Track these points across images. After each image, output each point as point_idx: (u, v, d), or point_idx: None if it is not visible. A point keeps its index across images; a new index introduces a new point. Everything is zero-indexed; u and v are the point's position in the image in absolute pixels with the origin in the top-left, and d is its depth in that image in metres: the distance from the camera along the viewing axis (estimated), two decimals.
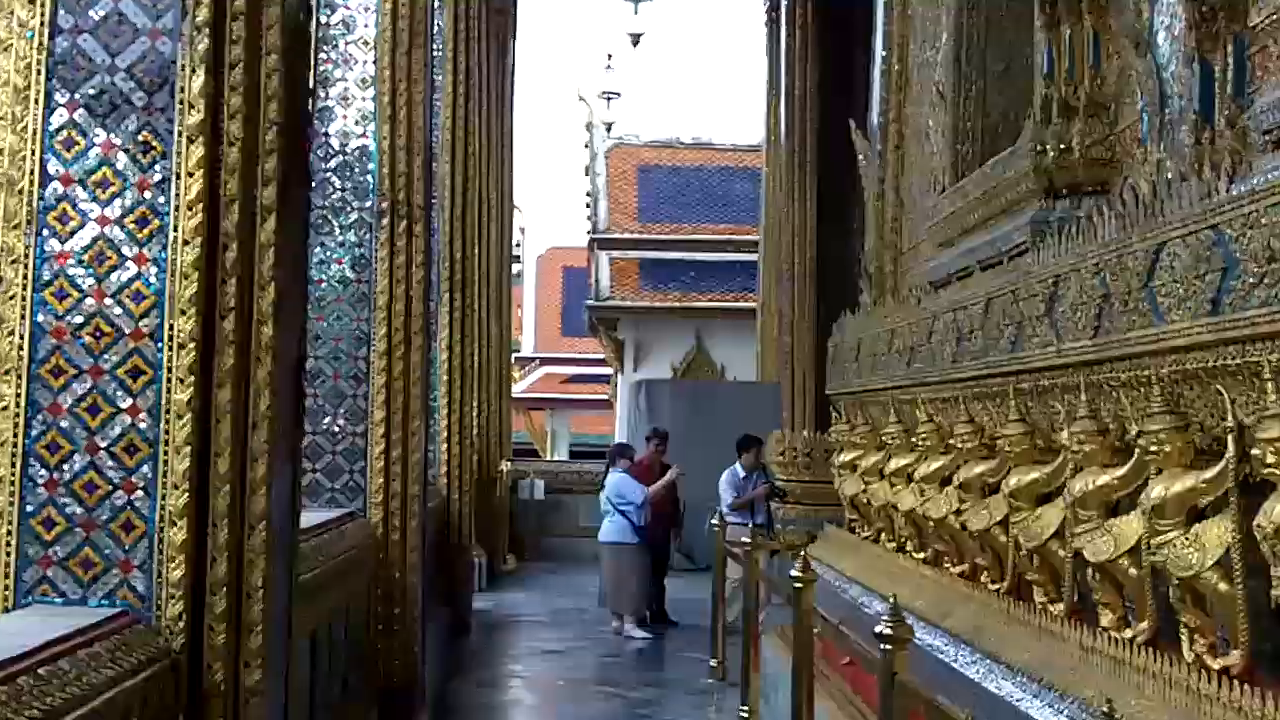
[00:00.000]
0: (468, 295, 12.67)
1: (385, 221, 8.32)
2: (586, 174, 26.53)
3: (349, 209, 8.36)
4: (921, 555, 7.54)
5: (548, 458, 34.60)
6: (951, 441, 6.50)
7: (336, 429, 8.35)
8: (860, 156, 9.80)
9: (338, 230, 8.37)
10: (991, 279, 5.89)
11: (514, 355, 36.15)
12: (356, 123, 8.30)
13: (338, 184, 8.37)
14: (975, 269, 6.45)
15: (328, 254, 8.42)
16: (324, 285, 8.38)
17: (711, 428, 18.16)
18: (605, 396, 31.89)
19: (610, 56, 26.92)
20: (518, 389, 34.35)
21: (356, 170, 8.38)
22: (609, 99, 26.98)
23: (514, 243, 33.93)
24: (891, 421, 7.79)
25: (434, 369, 12.56)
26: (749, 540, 8.43)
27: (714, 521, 10.51)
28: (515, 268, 34.50)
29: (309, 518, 7.93)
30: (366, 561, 8.14)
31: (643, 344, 25.13)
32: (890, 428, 7.80)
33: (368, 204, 8.36)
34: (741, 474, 13.45)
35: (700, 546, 17.58)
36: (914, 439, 7.23)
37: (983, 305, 5.87)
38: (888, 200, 9.26)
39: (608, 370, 31.18)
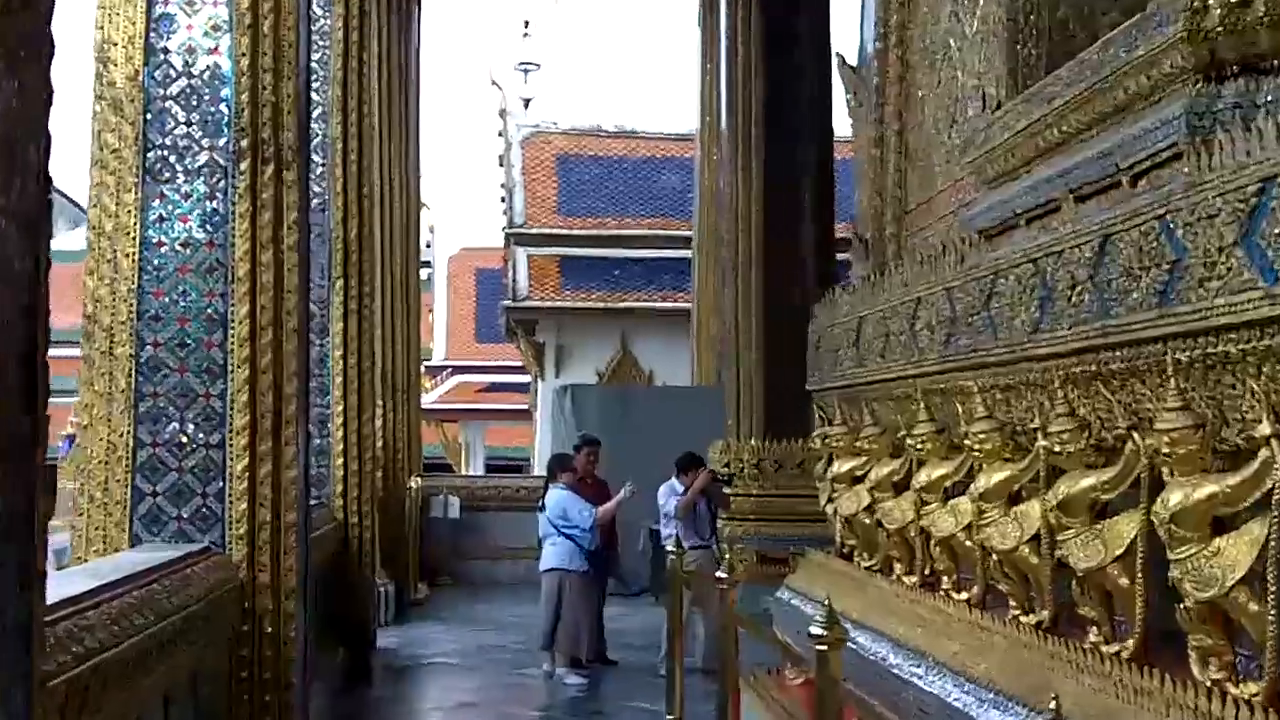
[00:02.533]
0: (365, 284, 10.73)
1: (245, 166, 6.37)
2: (501, 165, 24.56)
3: (196, 149, 6.40)
4: (965, 596, 5.71)
5: (463, 472, 32.52)
6: (1032, 443, 4.67)
7: (184, 439, 6.39)
8: (849, 97, 7.96)
9: (181, 177, 6.41)
10: (1103, 209, 4.06)
11: (424, 363, 34.08)
12: (206, 34, 6.34)
13: (181, 116, 6.41)
14: (1066, 201, 4.62)
15: (168, 209, 6.45)
16: (163, 250, 6.40)
17: (645, 437, 16.34)
18: (524, 406, 29.88)
19: (527, 24, 24.72)
20: (429, 399, 32.24)
21: (206, 98, 6.41)
22: (526, 70, 24.97)
23: (423, 243, 31.94)
24: (921, 420, 5.96)
25: (326, 370, 10.59)
26: (723, 573, 6.56)
27: (666, 545, 8.62)
28: (424, 272, 32.48)
29: (143, 557, 5.99)
30: (224, 612, 6.18)
31: (564, 348, 23.19)
32: (920, 427, 5.96)
33: (222, 142, 6.40)
34: (680, 489, 11.61)
35: (633, 569, 15.78)
36: (963, 441, 5.40)
37: (1095, 245, 4.04)
38: (888, 147, 7.47)
39: (526, 378, 29.20)
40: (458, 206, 67.86)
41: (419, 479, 16.79)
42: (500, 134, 24.67)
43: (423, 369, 33.55)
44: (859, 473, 7.25)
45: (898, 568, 6.62)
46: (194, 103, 6.39)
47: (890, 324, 6.51)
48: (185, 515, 6.37)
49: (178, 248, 6.43)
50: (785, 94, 15.33)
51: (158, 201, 6.44)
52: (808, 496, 14.91)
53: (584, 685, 10.55)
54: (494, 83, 23.98)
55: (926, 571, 6.42)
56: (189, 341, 6.40)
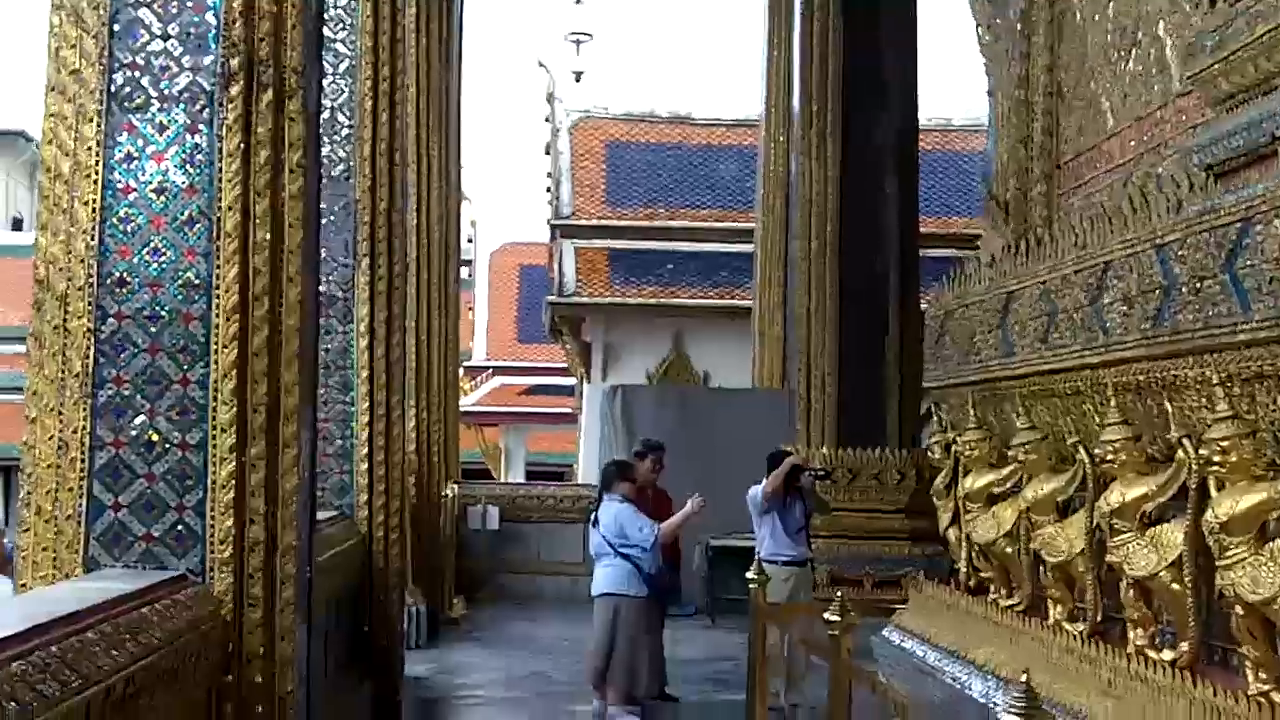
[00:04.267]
0: (395, 264, 9.37)
1: (236, 91, 5.01)
2: (547, 152, 23.18)
3: (174, 70, 5.05)
4: (1171, 656, 4.35)
5: (502, 479, 31.16)
6: None
7: (154, 437, 5.05)
8: (980, 30, 6.52)
9: (155, 105, 5.06)
10: None
11: (463, 364, 32.77)
12: None
13: (156, 27, 5.05)
14: None
15: (139, 145, 5.11)
16: (132, 197, 5.06)
17: (703, 444, 14.98)
18: (568, 409, 28.47)
19: None
20: (468, 401, 30.89)
21: (189, 5, 5.05)
22: (578, 41, 23.47)
23: (464, 238, 30.70)
24: (1111, 422, 4.53)
25: (350, 361, 9.24)
26: (835, 615, 5.13)
27: (750, 574, 7.19)
28: (464, 270, 31.27)
29: (98, 587, 4.65)
30: (203, 658, 4.82)
31: (612, 347, 21.76)
32: (1110, 432, 4.54)
33: (207, 61, 5.05)
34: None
35: (689, 586, 14.39)
36: (1180, 449, 4.02)
37: None
38: (1034, 87, 6.06)
39: (571, 380, 27.82)
40: (501, 200, 65.90)
41: (455, 486, 15.44)
42: (547, 119, 23.30)
43: (461, 369, 32.33)
44: (999, 489, 5.84)
45: (1056, 611, 5.20)
46: (173, 10, 5.04)
47: (1058, 299, 5.07)
48: (155, 534, 5.02)
49: (150, 194, 5.08)
50: (865, 70, 13.93)
51: (125, 135, 5.08)
52: (883, 512, 13.52)
53: None
54: (541, 64, 22.64)
55: (1099, 619, 5.02)
56: (162, 313, 5.04)
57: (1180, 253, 4.08)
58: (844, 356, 13.53)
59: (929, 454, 6.54)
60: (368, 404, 9.14)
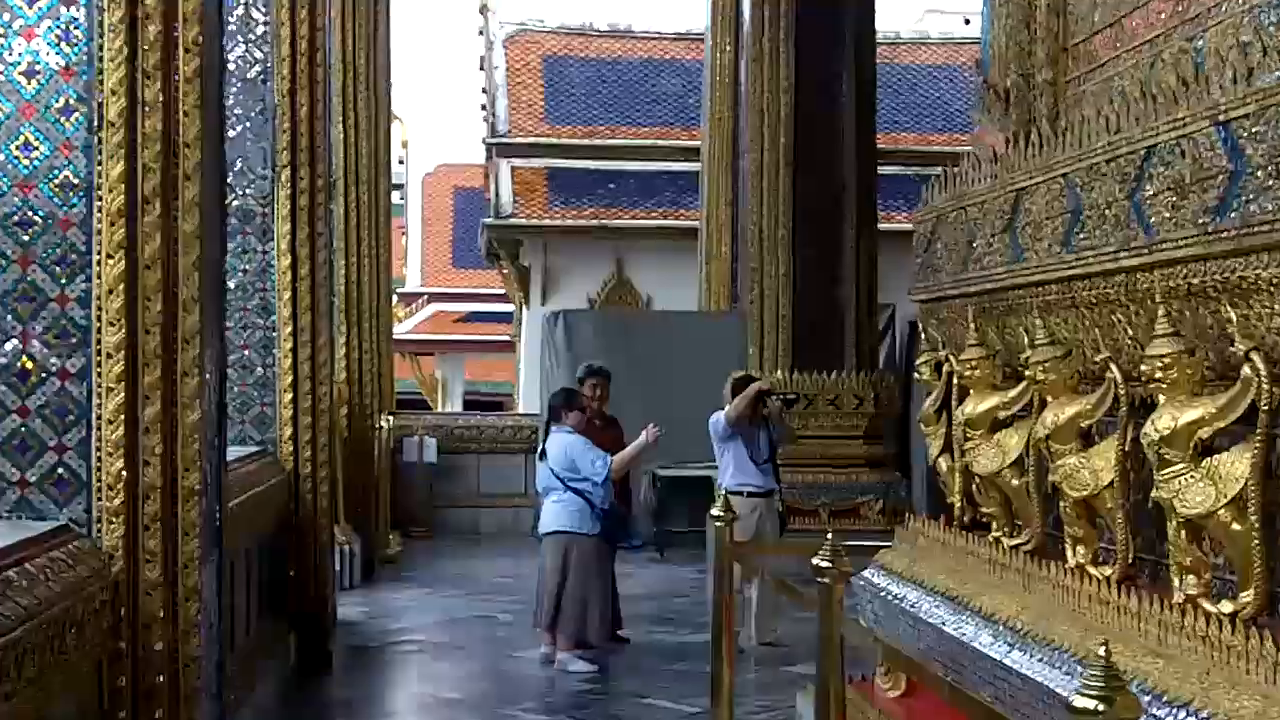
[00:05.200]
0: (318, 176, 8.54)
1: None
2: (482, 68, 22.18)
3: None
4: (1230, 608, 3.73)
5: (439, 410, 30.36)
6: None
7: (28, 364, 4.29)
8: None
9: None
10: None
11: (397, 291, 31.81)
12: None
13: None
14: None
15: (2, 19, 4.31)
16: None
17: (650, 370, 14.20)
18: (507, 337, 27.65)
19: None
20: (402, 329, 29.98)
21: None
22: None
23: (395, 159, 29.67)
24: (1162, 333, 3.87)
25: (270, 283, 8.44)
26: (825, 560, 4.44)
27: (715, 509, 6.51)
28: (394, 195, 30.30)
29: None
30: (89, 624, 4.10)
31: (552, 271, 20.92)
32: (1159, 345, 3.87)
33: None
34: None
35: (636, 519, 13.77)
36: (1246, 365, 3.38)
37: None
38: None
39: (509, 306, 26.96)
40: (435, 121, 63.75)
41: (390, 418, 14.67)
42: (480, 33, 22.27)
43: (395, 296, 31.37)
44: (1004, 414, 5.19)
45: (1079, 553, 4.56)
46: None
47: (1084, 193, 4.38)
48: (31, 479, 4.27)
49: (17, 78, 4.28)
50: None
51: None
52: (840, 439, 12.90)
53: (592, 673, 8.50)
54: None
55: (1130, 562, 4.39)
56: (35, 218, 4.26)
57: (1255, 130, 3.40)
58: (798, 276, 12.87)
59: (917, 375, 5.87)
60: (290, 329, 8.36)
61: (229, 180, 8.41)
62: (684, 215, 19.82)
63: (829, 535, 4.58)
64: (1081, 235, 4.40)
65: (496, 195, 20.77)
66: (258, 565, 7.74)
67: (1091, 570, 4.47)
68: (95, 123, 4.25)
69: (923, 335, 5.96)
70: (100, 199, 4.23)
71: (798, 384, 12.61)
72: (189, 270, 4.40)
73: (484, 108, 21.83)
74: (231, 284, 8.39)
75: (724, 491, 9.63)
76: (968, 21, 24.71)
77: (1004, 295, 5.08)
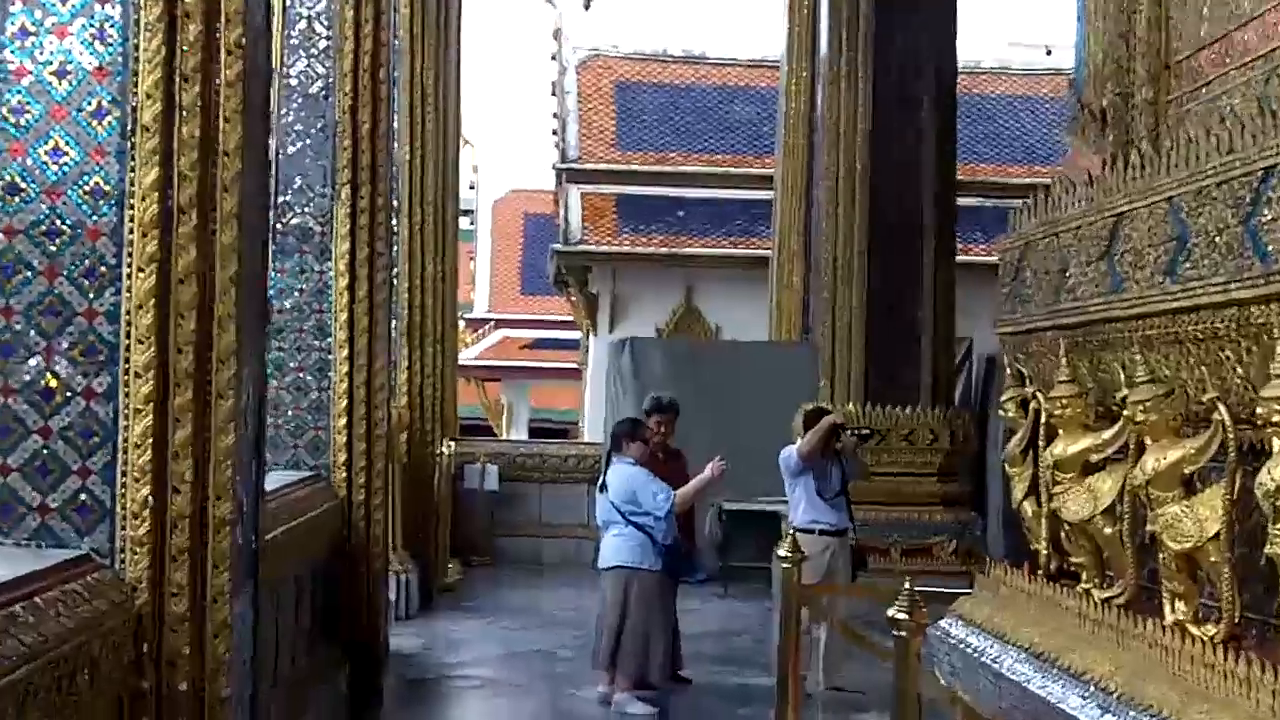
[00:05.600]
0: (379, 195, 8.30)
1: None
2: (553, 93, 22.01)
3: None
4: None
5: (504, 436, 30.15)
6: None
7: (52, 383, 4.05)
8: None
9: None
10: None
11: (464, 316, 31.65)
12: None
13: None
14: None
15: (34, 16, 4.11)
16: (26, 80, 4.05)
17: (717, 400, 13.90)
18: (573, 364, 27.40)
19: None
20: (468, 355, 29.81)
21: None
22: None
23: (465, 185, 29.55)
24: None
25: (327, 304, 8.20)
26: (904, 608, 4.09)
27: (782, 549, 6.17)
28: (465, 220, 30.21)
29: None
30: (112, 660, 3.84)
31: (620, 299, 20.64)
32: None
33: None
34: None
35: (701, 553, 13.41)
36: None
37: None
38: None
39: (576, 334, 26.72)
40: (505, 146, 63.28)
41: (452, 444, 14.42)
42: (553, 57, 22.11)
43: (462, 321, 31.22)
44: (1097, 456, 4.80)
45: (1179, 609, 4.17)
46: None
47: (1191, 219, 4.01)
48: (52, 504, 4.01)
49: (49, 78, 4.04)
50: (896, 16, 12.79)
51: (19, 4, 4.05)
52: (913, 475, 12.48)
53: (651, 715, 8.16)
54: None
55: (1236, 620, 4.00)
56: (63, 228, 4.02)
57: None
58: (872, 306, 12.49)
59: (1002, 412, 5.49)
60: (346, 352, 8.11)
61: (288, 198, 8.23)
62: (755, 244, 19.50)
63: (906, 583, 4.22)
64: (1188, 264, 4.03)
65: (566, 221, 20.55)
66: (309, 593, 7.49)
67: (1192, 629, 4.08)
68: (129, 127, 4.00)
69: (1008, 370, 5.58)
70: (132, 208, 3.98)
71: (871, 418, 12.23)
72: (226, 285, 4.13)
73: (555, 133, 21.65)
74: (288, 304, 8.19)
75: (794, 530, 9.31)
76: (1049, 52, 24.24)
77: (1099, 328, 4.71)
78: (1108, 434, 4.67)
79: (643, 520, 8.14)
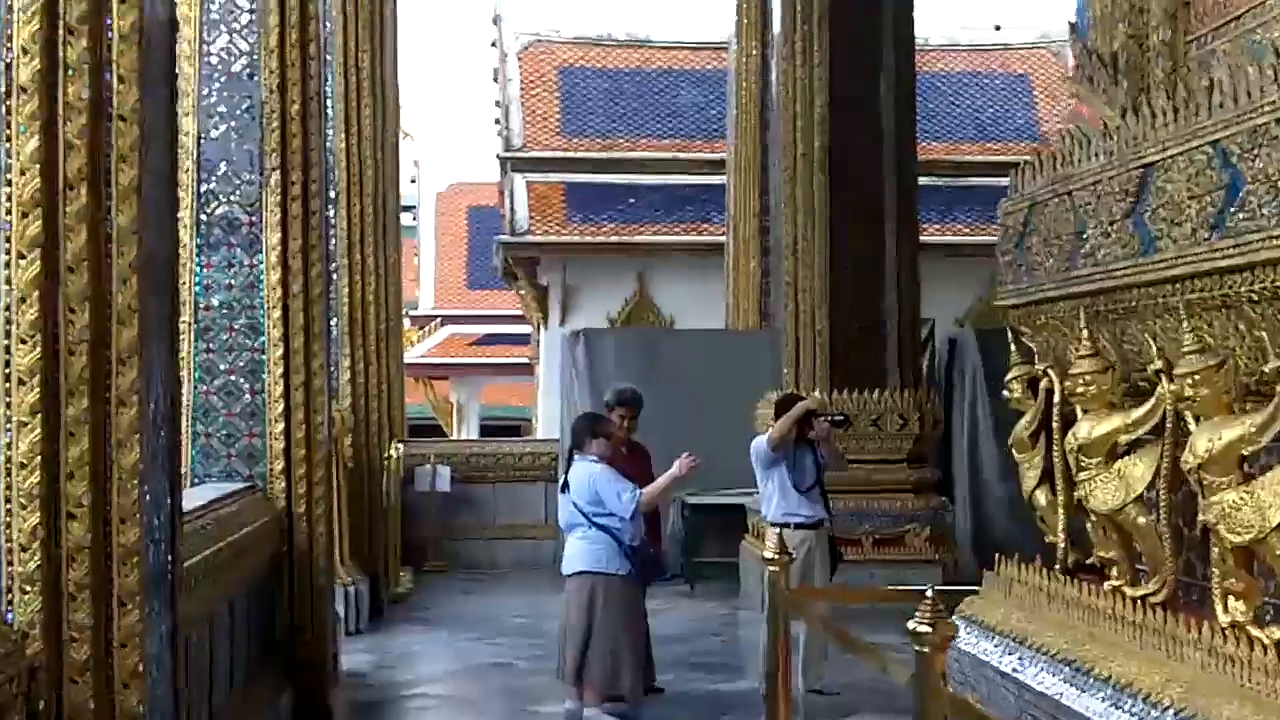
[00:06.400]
0: (312, 181, 7.67)
1: None
2: (495, 80, 21.36)
3: None
4: None
5: (455, 436, 29.45)
6: None
7: None
8: None
9: None
10: None
11: (410, 313, 30.91)
12: None
13: None
14: None
15: None
16: None
17: (676, 392, 13.37)
18: (525, 359, 26.77)
19: None
20: (414, 353, 29.09)
21: None
22: None
23: (407, 179, 28.86)
24: None
25: (259, 300, 7.57)
26: (926, 619, 3.54)
27: (768, 551, 5.63)
28: (407, 217, 29.53)
29: None
30: None
31: (571, 290, 20.04)
32: None
33: None
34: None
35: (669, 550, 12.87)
36: None
37: None
38: None
39: (527, 328, 26.10)
40: (447, 140, 62.07)
41: (400, 446, 13.78)
42: (494, 44, 21.45)
43: (408, 319, 30.46)
44: (1129, 438, 4.28)
45: (1236, 609, 3.65)
46: None
47: (1243, 164, 3.49)
48: None
49: None
50: None
51: None
52: (884, 462, 11.95)
53: None
54: None
55: None
56: None
57: None
58: (835, 289, 11.95)
59: (1006, 393, 4.97)
60: (281, 351, 7.47)
61: (212, 186, 7.60)
62: (708, 230, 18.98)
63: (928, 593, 3.67)
64: (1241, 215, 3.50)
65: (512, 212, 19.92)
66: (247, 614, 6.87)
67: (1255, 631, 3.57)
68: (3, 89, 3.38)
69: (1012, 346, 5.05)
70: (10, 184, 3.37)
71: (837, 404, 11.70)
72: (125, 273, 3.53)
73: (498, 121, 21.01)
74: (216, 301, 7.56)
75: (769, 524, 8.76)
76: (998, 28, 23.84)
77: (1124, 295, 4.19)
78: (1139, 412, 4.16)
79: (608, 522, 7.56)
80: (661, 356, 13.76)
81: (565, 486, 7.83)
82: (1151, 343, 4.08)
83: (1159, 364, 4.04)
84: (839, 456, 9.40)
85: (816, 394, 11.19)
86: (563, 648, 7.87)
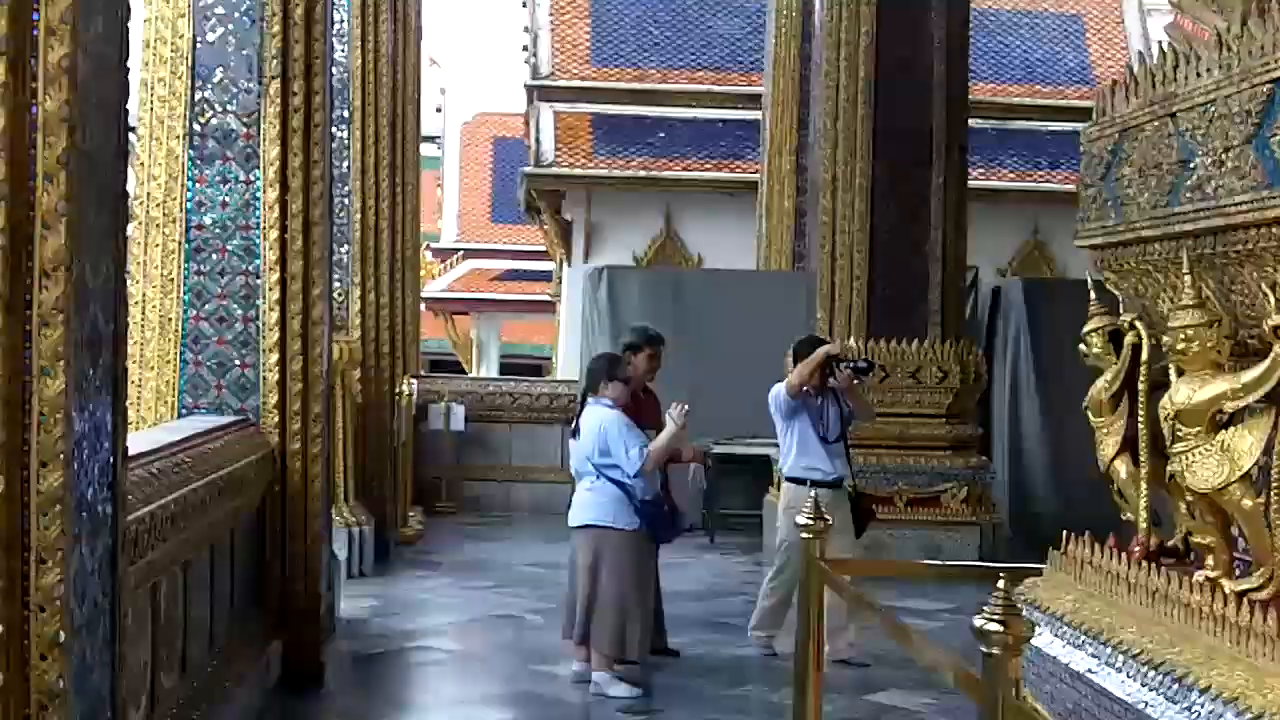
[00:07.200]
0: (315, 90, 7.05)
1: None
2: (524, 5, 20.63)
3: None
4: None
5: (475, 374, 28.91)
6: None
7: None
8: None
9: None
10: None
11: (431, 246, 30.30)
12: None
13: None
14: None
15: None
16: None
17: (702, 335, 12.81)
18: (547, 296, 26.17)
19: None
20: (434, 287, 28.53)
21: None
22: None
23: (432, 108, 28.24)
24: None
25: (255, 219, 6.98)
26: (996, 615, 2.96)
27: (800, 516, 5.05)
28: (431, 148, 28.93)
29: None
30: None
31: (596, 226, 19.40)
32: None
33: None
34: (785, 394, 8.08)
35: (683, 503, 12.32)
36: None
37: None
38: None
39: (550, 264, 25.49)
40: (472, 68, 60.64)
41: (414, 382, 13.23)
42: None
43: (429, 251, 29.83)
44: (1236, 405, 3.66)
45: None
46: None
47: None
48: None
49: None
50: None
51: None
52: (921, 417, 11.32)
53: (635, 698, 7.04)
54: None
55: None
56: None
57: None
58: (875, 231, 11.29)
59: (1083, 347, 4.35)
60: (278, 276, 6.89)
61: (207, 94, 7.01)
62: (740, 167, 18.29)
63: (999, 583, 3.07)
64: None
65: (537, 143, 19.26)
66: (231, 560, 6.34)
67: None
68: None
69: (1091, 293, 4.42)
70: None
71: (874, 354, 11.09)
72: (53, 168, 2.93)
73: (525, 48, 20.30)
74: (208, 220, 7.00)
75: (786, 478, 8.21)
76: None
77: (1240, 235, 3.56)
78: (1250, 375, 3.54)
79: (616, 474, 6.99)
80: (688, 297, 13.16)
81: (576, 431, 7.26)
82: (1271, 294, 3.45)
83: (1277, 319, 3.42)
84: (867, 408, 8.82)
85: (843, 340, 10.55)
86: (570, 605, 7.34)
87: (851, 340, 11.10)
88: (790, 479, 8.09)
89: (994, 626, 3.00)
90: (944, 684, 6.11)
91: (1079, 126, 4.57)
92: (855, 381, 8.33)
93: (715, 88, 19.63)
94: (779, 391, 8.10)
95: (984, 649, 3.03)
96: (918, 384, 11.18)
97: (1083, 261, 19.08)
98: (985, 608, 3.06)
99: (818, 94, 12.09)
